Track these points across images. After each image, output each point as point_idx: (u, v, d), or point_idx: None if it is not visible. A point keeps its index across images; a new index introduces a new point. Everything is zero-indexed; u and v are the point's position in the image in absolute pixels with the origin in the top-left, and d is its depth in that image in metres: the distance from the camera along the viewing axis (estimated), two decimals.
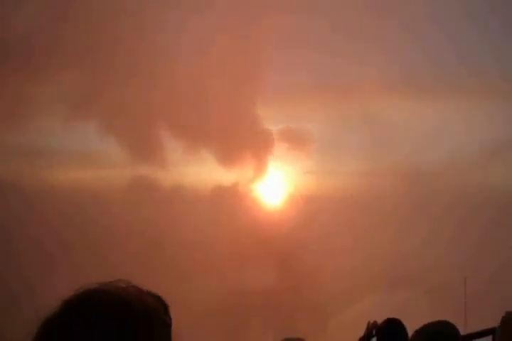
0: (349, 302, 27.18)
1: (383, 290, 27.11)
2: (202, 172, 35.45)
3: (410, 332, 5.30)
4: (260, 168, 35.83)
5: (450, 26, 43.50)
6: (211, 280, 27.41)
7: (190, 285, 23.69)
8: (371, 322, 5.43)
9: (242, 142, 34.92)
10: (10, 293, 24.09)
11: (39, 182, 31.08)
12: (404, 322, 5.37)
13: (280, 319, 26.38)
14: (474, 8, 38.17)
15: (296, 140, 37.35)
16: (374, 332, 5.31)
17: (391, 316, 5.46)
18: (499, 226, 31.30)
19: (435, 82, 40.39)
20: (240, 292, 26.91)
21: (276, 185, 37.97)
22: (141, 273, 25.17)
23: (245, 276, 27.94)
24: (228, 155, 34.66)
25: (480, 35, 43.15)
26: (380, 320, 5.54)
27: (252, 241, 30.67)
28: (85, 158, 32.95)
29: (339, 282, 28.84)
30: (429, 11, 41.08)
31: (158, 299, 1.92)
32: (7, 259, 24.96)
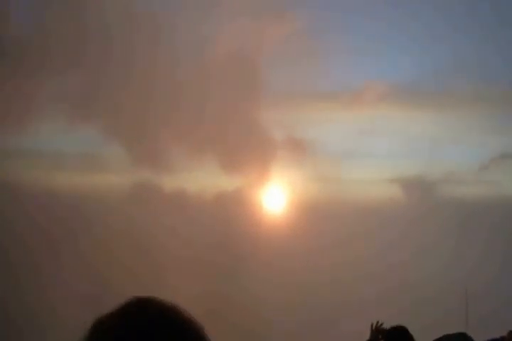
0: (354, 307, 26.94)
1: (388, 299, 26.93)
2: (205, 178, 35.45)
3: None
4: (263, 175, 35.82)
5: (454, 35, 43.59)
6: (210, 286, 27.28)
7: (187, 290, 23.54)
8: (374, 324, 5.39)
9: (246, 148, 34.94)
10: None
11: (39, 185, 31.07)
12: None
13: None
14: (479, 16, 38.26)
15: (299, 147, 37.35)
16: (380, 337, 5.27)
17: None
18: (501, 236, 31.19)
19: (438, 92, 40.42)
20: (232, 298, 26.70)
21: (278, 192, 37.92)
22: (140, 277, 25.09)
23: (244, 282, 27.80)
24: (231, 161, 34.67)
25: (483, 45, 43.30)
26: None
27: (254, 248, 30.57)
28: (86, 162, 32.95)
29: (339, 293, 28.69)
30: (432, 19, 41.16)
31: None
32: (4, 260, 24.89)
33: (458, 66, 40.01)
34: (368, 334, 5.37)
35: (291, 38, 37.09)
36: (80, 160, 32.81)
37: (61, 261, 26.53)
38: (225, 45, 34.05)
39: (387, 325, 5.30)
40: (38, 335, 21.94)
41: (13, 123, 30.88)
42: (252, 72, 34.69)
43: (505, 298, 23.99)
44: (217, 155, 34.50)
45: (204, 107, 32.83)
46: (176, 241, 28.84)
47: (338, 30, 38.53)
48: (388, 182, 41.08)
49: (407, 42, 49.54)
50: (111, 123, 32.59)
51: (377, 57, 44.27)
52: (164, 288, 20.84)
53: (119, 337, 1.18)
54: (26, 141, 33.18)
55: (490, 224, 32.12)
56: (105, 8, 30.39)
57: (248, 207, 34.36)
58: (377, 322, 5.40)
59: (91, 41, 30.00)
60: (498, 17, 38.28)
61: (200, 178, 35.18)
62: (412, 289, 28.20)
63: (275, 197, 37.46)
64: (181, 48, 32.94)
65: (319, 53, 38.89)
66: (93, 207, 29.81)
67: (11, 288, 24.34)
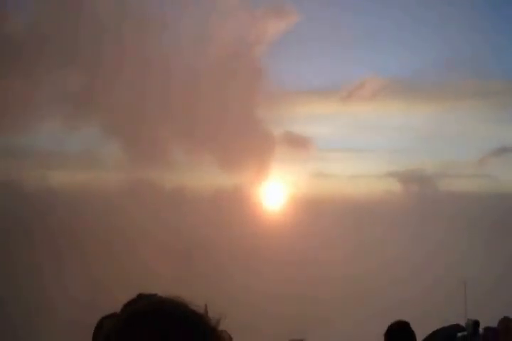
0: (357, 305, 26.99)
1: (387, 293, 26.96)
2: (204, 175, 35.43)
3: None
4: (261, 172, 35.82)
5: (450, 31, 43.50)
6: (206, 284, 27.25)
7: (182, 286, 23.57)
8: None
9: (244, 146, 34.90)
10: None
11: (39, 184, 31.05)
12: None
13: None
14: (476, 11, 38.27)
15: (297, 143, 37.35)
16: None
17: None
18: (500, 229, 31.20)
19: (436, 86, 40.40)
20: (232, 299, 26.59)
21: (277, 189, 37.93)
22: (137, 272, 25.11)
23: (242, 282, 27.70)
24: (230, 159, 34.65)
25: (479, 39, 43.26)
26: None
27: (252, 246, 30.56)
28: (86, 160, 32.93)
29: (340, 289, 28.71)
30: (429, 15, 41.05)
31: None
32: (5, 259, 24.88)
33: (456, 60, 40.00)
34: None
35: (288, 34, 37.09)
36: (79, 158, 32.81)
37: (62, 258, 26.53)
38: (222, 42, 34.02)
39: (386, 319, 5.29)
40: (37, 335, 21.97)
41: (11, 123, 30.87)
42: (249, 70, 34.66)
43: (504, 290, 24.05)
44: (215, 153, 34.50)
45: (202, 105, 32.80)
46: (174, 239, 28.86)
47: (336, 26, 38.52)
48: (387, 176, 41.13)
49: (404, 37, 49.42)
50: (109, 122, 32.58)
51: (374, 52, 44.24)
52: (164, 285, 20.85)
53: None
54: (25, 140, 33.18)
55: (489, 218, 32.14)
56: (101, 8, 30.33)
57: (246, 204, 34.36)
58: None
59: (88, 40, 29.95)
60: (494, 12, 38.30)
61: (199, 176, 35.18)
62: (411, 282, 28.23)
63: (274, 193, 37.50)
64: (178, 46, 32.91)
65: (316, 49, 38.87)
66: (92, 205, 29.80)
67: (10, 286, 24.33)
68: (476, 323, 5.84)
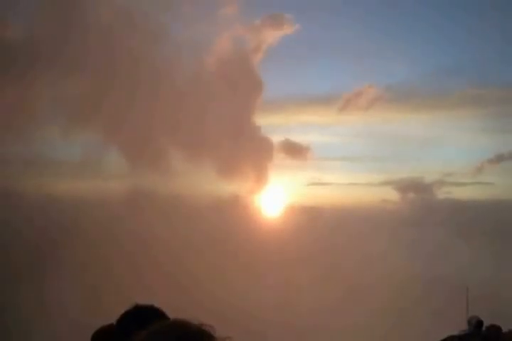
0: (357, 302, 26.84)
1: (387, 298, 26.89)
2: (203, 183, 35.49)
3: None
4: (260, 180, 35.89)
5: (447, 39, 43.92)
6: (202, 290, 27.18)
7: (181, 294, 23.49)
8: None
9: (243, 154, 35.01)
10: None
11: (40, 192, 31.07)
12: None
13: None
14: (471, 22, 38.73)
15: (295, 152, 37.49)
16: None
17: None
18: (498, 237, 31.22)
19: (432, 94, 40.72)
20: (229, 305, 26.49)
21: (276, 196, 38.00)
22: (135, 281, 25.06)
23: (237, 288, 27.63)
24: (229, 167, 34.74)
25: (476, 48, 43.71)
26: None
27: (250, 252, 30.53)
28: (86, 169, 33.03)
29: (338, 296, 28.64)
30: (426, 25, 41.38)
31: None
32: (5, 265, 24.84)
33: (452, 68, 40.32)
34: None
35: (287, 43, 37.44)
36: (79, 167, 32.94)
37: (62, 264, 26.49)
38: (222, 52, 34.29)
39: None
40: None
41: (15, 132, 31.01)
42: (248, 79, 34.85)
43: (503, 296, 24.04)
44: (214, 162, 34.60)
45: (201, 114, 32.97)
46: (173, 245, 28.83)
47: (333, 36, 38.97)
48: (384, 184, 41.30)
49: (401, 47, 49.76)
50: (109, 131, 32.69)
51: (371, 62, 44.61)
52: (164, 293, 20.80)
53: None
54: (26, 149, 33.26)
55: (487, 225, 32.19)
56: (104, 19, 30.57)
57: (245, 212, 34.41)
58: None
59: (91, 49, 30.15)
60: (492, 21, 38.66)
61: (199, 184, 35.25)
62: (410, 289, 28.20)
63: (272, 201, 37.58)
64: (179, 56, 33.11)
65: (314, 58, 39.08)
66: (92, 213, 29.82)
67: (10, 292, 24.27)
68: (479, 322, 5.84)
